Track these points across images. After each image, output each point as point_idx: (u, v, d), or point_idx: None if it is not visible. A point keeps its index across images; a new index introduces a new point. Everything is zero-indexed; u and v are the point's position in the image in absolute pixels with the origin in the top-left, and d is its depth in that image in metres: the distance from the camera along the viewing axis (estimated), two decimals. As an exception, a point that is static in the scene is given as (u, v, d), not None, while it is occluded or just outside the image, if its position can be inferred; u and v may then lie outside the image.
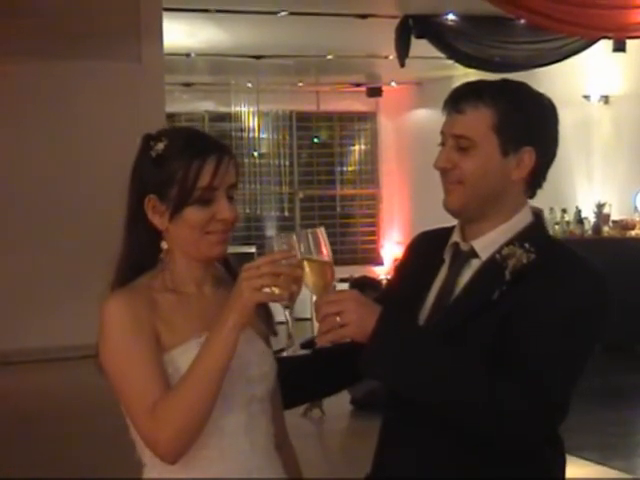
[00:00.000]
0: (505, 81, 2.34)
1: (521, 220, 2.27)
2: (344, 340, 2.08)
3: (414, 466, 2.21)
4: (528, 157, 2.25)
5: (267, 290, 1.93)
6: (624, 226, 11.38)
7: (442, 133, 2.30)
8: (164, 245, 2.13)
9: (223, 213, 2.08)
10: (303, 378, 2.36)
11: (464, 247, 2.28)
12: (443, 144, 2.28)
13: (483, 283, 2.20)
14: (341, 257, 15.81)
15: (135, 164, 2.13)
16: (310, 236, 2.07)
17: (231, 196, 2.11)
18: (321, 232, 2.09)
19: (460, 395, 2.06)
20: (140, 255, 2.13)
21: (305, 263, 2.04)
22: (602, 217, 11.66)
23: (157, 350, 2.02)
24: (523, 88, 2.32)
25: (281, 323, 2.06)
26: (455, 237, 2.31)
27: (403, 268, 2.36)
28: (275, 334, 2.22)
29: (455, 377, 2.08)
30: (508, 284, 2.16)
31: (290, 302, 2.00)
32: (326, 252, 2.07)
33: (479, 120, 2.23)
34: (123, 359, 2.02)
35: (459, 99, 2.28)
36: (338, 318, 2.05)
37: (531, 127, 2.26)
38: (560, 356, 2.10)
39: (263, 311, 2.19)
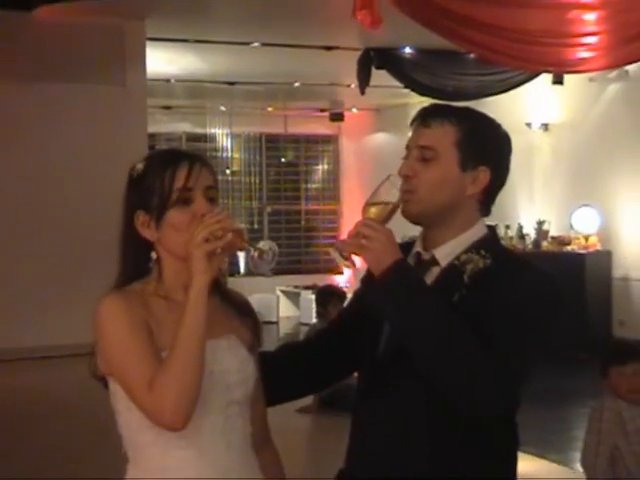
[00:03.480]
0: (468, 107, 2.36)
1: (477, 232, 2.28)
2: (352, 256, 2.14)
3: (387, 452, 2.21)
4: (483, 176, 2.26)
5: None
6: (561, 241, 11.46)
7: (407, 147, 2.30)
8: (154, 255, 2.11)
9: (202, 210, 2.05)
10: (279, 380, 2.34)
11: (425, 256, 2.28)
12: (406, 157, 2.29)
13: (444, 287, 2.19)
14: (305, 266, 15.83)
15: (125, 189, 2.13)
16: (382, 185, 2.17)
17: (211, 197, 2.09)
18: (390, 181, 2.16)
19: (450, 346, 2.06)
20: (134, 267, 2.12)
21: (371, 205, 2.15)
22: (542, 233, 11.74)
23: (151, 337, 2.00)
24: (485, 115, 2.34)
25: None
26: (417, 247, 2.31)
27: (369, 279, 2.37)
28: (260, 345, 2.20)
29: (449, 328, 2.07)
30: (467, 287, 2.17)
31: (241, 245, 2.02)
32: (384, 194, 2.16)
33: (444, 134, 2.24)
34: (121, 348, 1.99)
35: (427, 116, 2.29)
36: (364, 240, 2.09)
37: (489, 149, 2.28)
38: (519, 340, 2.11)
39: (250, 321, 2.18)
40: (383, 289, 2.11)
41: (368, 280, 2.20)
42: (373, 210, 2.16)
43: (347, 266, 2.18)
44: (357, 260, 2.18)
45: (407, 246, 2.34)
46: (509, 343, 2.09)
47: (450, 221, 2.26)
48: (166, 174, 2.07)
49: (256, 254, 2.03)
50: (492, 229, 2.33)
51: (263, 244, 2.55)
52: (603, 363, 4.57)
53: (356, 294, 2.52)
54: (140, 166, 2.11)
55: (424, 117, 2.29)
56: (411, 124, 2.32)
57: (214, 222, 1.98)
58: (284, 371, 2.39)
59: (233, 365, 2.09)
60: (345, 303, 5.65)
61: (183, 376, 1.93)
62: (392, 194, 2.17)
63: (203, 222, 1.99)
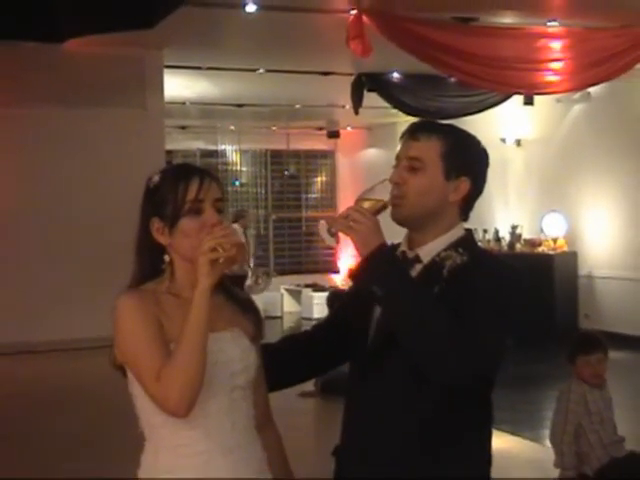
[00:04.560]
0: (452, 125, 2.35)
1: (456, 233, 2.27)
2: (336, 233, 2.12)
3: (377, 431, 2.19)
4: (464, 185, 2.25)
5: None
6: (533, 244, 11.48)
7: (397, 157, 2.28)
8: (167, 258, 2.11)
9: (211, 219, 2.05)
10: (281, 368, 2.34)
11: (410, 255, 2.26)
12: (396, 166, 2.28)
13: (425, 280, 2.18)
14: (305, 267, 15.82)
15: (142, 198, 2.13)
16: (377, 186, 2.19)
17: (219, 209, 2.09)
18: (383, 184, 2.19)
19: (428, 319, 2.04)
20: (148, 267, 2.11)
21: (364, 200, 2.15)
22: (515, 236, 11.75)
23: (161, 332, 2.00)
24: (467, 132, 2.33)
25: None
26: (402, 247, 2.30)
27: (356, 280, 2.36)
28: (262, 337, 2.19)
29: (428, 303, 2.06)
30: (446, 281, 2.16)
31: (241, 260, 2.00)
32: (377, 194, 2.17)
33: (431, 147, 2.23)
34: (134, 341, 1.99)
35: (416, 130, 2.27)
36: (352, 223, 2.09)
37: (470, 162, 2.27)
38: (492, 323, 2.10)
39: (253, 316, 2.18)
40: (369, 269, 2.09)
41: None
42: (366, 204, 2.15)
43: (330, 242, 2.16)
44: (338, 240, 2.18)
45: (392, 247, 2.33)
46: (485, 326, 2.07)
47: (433, 224, 2.25)
48: (180, 186, 2.06)
49: (252, 280, 2.02)
50: (469, 231, 2.32)
51: (253, 268, 2.45)
52: (571, 352, 4.57)
53: (350, 292, 2.51)
54: (156, 178, 2.11)
55: (413, 131, 2.28)
56: (401, 137, 2.31)
57: (221, 235, 1.98)
58: (285, 360, 2.38)
59: (236, 354, 2.08)
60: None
61: (187, 368, 1.93)
62: (384, 196, 2.17)
63: (212, 233, 1.99)
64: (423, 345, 2.06)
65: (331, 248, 15.91)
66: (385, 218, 2.20)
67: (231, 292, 2.18)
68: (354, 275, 2.15)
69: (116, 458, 4.48)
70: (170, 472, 2.03)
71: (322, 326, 2.54)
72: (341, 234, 2.13)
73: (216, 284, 2.00)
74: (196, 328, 1.95)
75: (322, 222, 2.14)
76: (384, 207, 2.18)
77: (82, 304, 8.81)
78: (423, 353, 2.07)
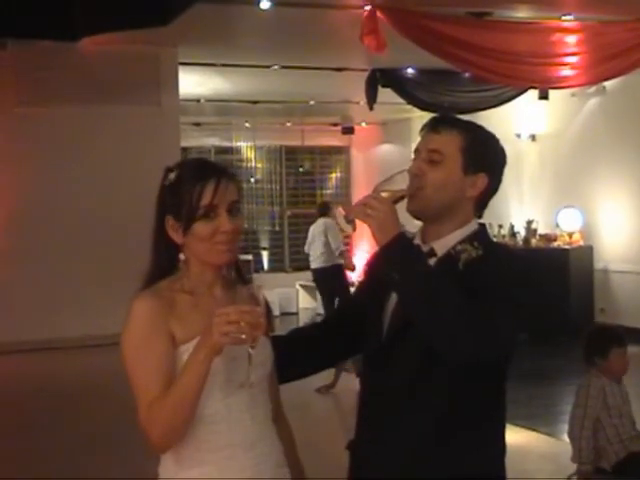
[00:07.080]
0: (473, 121, 2.35)
1: (470, 227, 2.27)
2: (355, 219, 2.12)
3: (391, 420, 2.20)
4: (481, 181, 2.26)
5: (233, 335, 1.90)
6: (548, 238, 11.44)
7: (416, 150, 2.28)
8: (182, 256, 2.11)
9: (224, 226, 2.05)
10: (291, 360, 2.34)
11: (425, 248, 2.26)
12: (415, 159, 2.28)
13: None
14: (321, 263, 15.79)
15: (158, 192, 2.13)
16: (396, 176, 2.18)
17: (233, 210, 2.08)
18: (402, 175, 2.18)
19: (443, 301, 2.03)
20: (164, 264, 2.11)
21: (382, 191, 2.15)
22: (531, 231, 11.72)
23: (167, 351, 1.99)
24: (487, 130, 2.34)
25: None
26: (417, 240, 2.30)
27: (372, 270, 2.35)
28: (273, 330, 2.19)
29: (444, 289, 2.05)
30: (461, 274, 2.16)
31: (253, 344, 1.96)
32: (395, 184, 2.17)
33: (451, 140, 2.24)
34: (136, 354, 2.00)
35: (438, 123, 2.28)
36: (370, 210, 2.08)
37: (489, 159, 2.28)
38: (505, 309, 2.09)
39: (262, 308, 2.19)
40: (387, 256, 2.09)
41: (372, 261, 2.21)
42: (383, 194, 2.15)
43: (347, 229, 2.16)
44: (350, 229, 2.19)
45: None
46: (499, 311, 2.07)
47: (448, 218, 2.25)
48: (195, 190, 2.04)
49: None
50: (483, 225, 2.33)
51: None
52: (603, 346, 4.50)
53: (361, 283, 2.52)
54: (172, 176, 2.09)
55: (435, 124, 2.28)
56: (422, 130, 2.31)
57: (248, 320, 1.90)
58: (296, 352, 2.39)
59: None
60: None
61: (173, 416, 1.94)
62: (402, 187, 2.17)
63: (244, 312, 1.91)
64: (439, 326, 2.05)
65: (346, 243, 15.93)
66: (400, 211, 2.19)
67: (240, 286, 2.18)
68: (372, 263, 2.16)
69: (138, 454, 4.51)
70: (193, 468, 2.04)
71: (333, 317, 2.55)
72: (358, 221, 2.13)
73: (226, 281, 1.99)
74: (189, 388, 1.93)
75: (339, 209, 2.14)
76: (402, 197, 2.18)
77: (100, 301, 8.83)
78: (439, 334, 2.06)
